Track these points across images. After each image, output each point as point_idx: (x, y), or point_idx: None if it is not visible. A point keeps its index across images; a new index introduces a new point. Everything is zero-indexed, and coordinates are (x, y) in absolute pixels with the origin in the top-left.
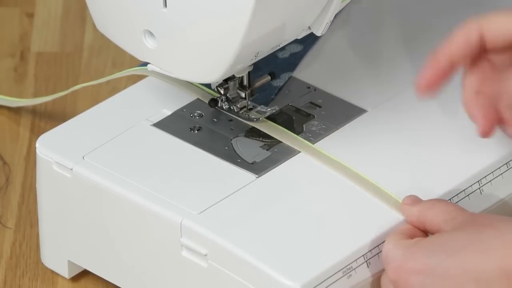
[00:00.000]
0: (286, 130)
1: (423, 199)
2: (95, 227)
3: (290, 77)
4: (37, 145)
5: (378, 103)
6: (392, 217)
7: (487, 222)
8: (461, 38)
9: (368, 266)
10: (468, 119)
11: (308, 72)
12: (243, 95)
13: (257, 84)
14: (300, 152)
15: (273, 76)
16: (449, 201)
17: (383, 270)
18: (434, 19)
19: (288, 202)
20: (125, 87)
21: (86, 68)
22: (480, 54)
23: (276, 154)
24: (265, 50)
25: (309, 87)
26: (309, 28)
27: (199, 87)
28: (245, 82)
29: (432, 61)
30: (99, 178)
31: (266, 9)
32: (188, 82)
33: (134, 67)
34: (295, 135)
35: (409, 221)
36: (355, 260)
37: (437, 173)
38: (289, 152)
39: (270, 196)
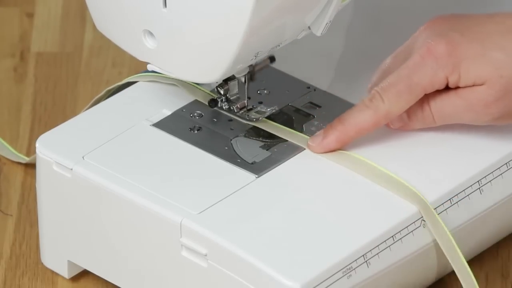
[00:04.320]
0: (289, 129)
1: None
2: (95, 227)
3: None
4: (37, 145)
5: None
6: (392, 217)
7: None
8: (372, 123)
9: (368, 266)
10: None
11: (308, 72)
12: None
13: (257, 68)
14: (300, 152)
15: (273, 59)
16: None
17: (383, 270)
18: None
19: (287, 202)
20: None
21: (86, 68)
22: None
23: (276, 154)
24: (265, 50)
25: (309, 87)
26: (309, 28)
27: (197, 88)
28: (245, 82)
29: (339, 130)
30: (99, 178)
31: (266, 9)
32: (186, 83)
33: (140, 72)
34: (298, 132)
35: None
36: (355, 260)
37: (437, 173)
38: (289, 152)
39: (270, 196)
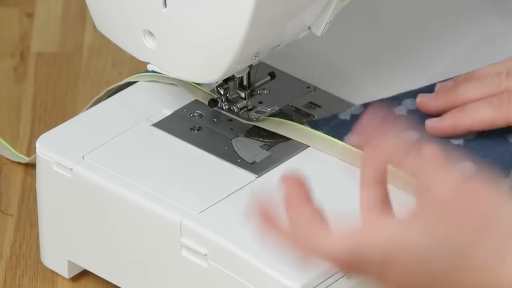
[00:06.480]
0: (289, 121)
1: None
2: (95, 227)
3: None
4: (37, 145)
5: None
6: None
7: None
8: (487, 120)
9: None
10: None
11: (308, 72)
12: (243, 95)
13: (257, 84)
14: (300, 152)
15: (273, 76)
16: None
17: None
18: (433, 19)
19: None
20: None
21: (86, 68)
22: None
23: (276, 154)
24: (265, 50)
25: (309, 87)
26: (309, 28)
27: (197, 88)
28: (245, 82)
29: (456, 117)
30: (99, 178)
31: (266, 9)
32: (186, 83)
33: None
34: (301, 126)
35: None
36: None
37: None
38: (289, 152)
39: (270, 196)
